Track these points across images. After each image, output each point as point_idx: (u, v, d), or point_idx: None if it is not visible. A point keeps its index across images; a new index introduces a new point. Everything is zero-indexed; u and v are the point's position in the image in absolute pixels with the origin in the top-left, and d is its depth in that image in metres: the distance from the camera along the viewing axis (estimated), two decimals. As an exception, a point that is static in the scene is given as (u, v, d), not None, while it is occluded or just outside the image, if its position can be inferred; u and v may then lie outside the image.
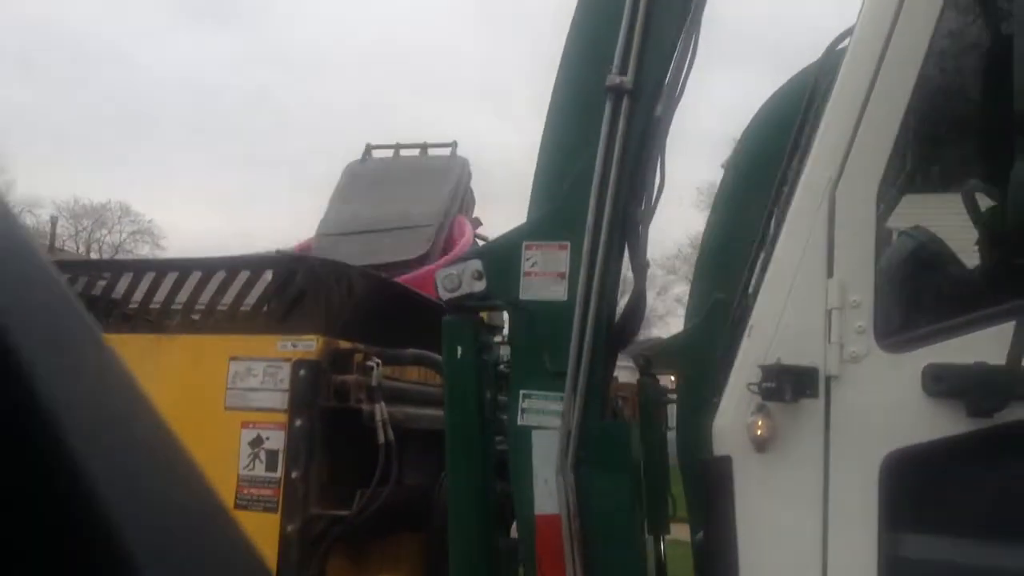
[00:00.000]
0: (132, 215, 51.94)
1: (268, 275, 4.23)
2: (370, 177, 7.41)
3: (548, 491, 3.05)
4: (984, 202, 3.18)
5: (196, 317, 4.18)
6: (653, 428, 5.05)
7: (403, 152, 7.64)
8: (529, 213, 3.36)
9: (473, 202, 7.50)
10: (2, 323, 0.52)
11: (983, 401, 2.30)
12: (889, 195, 3.44)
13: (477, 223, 7.29)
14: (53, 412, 0.53)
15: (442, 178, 7.21)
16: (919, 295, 2.99)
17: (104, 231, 52.29)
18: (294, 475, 3.69)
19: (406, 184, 7.24)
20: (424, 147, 7.61)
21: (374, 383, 5.38)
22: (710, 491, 2.66)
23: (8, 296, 0.54)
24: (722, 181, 5.55)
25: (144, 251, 47.98)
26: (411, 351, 4.46)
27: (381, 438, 3.93)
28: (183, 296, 4.16)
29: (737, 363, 2.70)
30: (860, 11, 2.77)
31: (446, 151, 7.56)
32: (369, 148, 7.66)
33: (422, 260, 6.40)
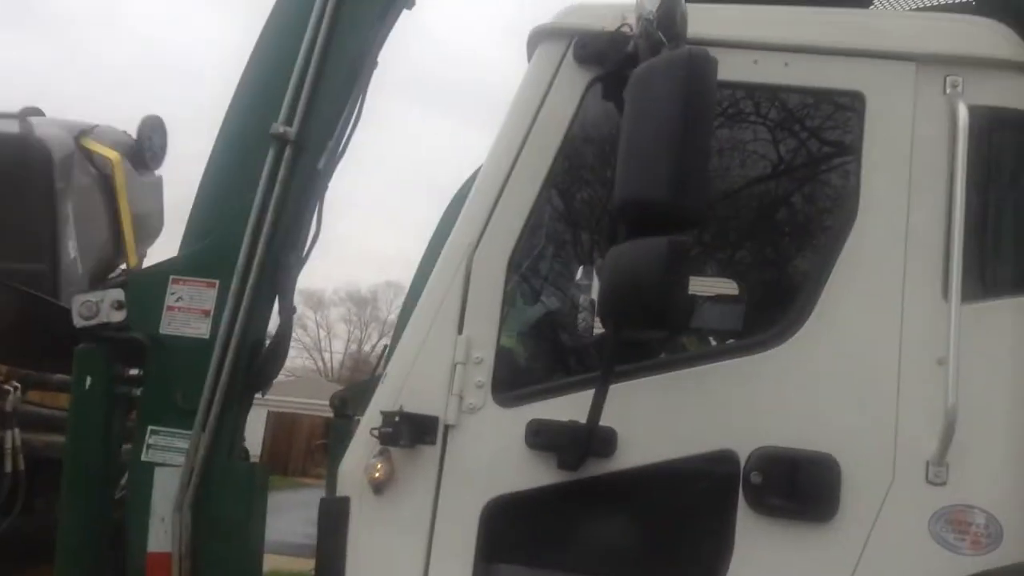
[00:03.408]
0: None
1: None
2: None
3: (164, 529, 2.85)
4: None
5: None
6: None
7: None
8: (181, 247, 3.18)
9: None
10: None
11: (569, 456, 2.47)
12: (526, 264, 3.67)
13: None
14: None
15: None
16: (535, 357, 3.19)
17: None
18: None
19: None
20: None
21: (9, 408, 4.81)
22: (323, 530, 2.61)
23: None
24: (427, 245, 5.61)
25: None
26: (59, 376, 4.03)
27: (8, 466, 3.50)
28: None
29: (368, 410, 2.70)
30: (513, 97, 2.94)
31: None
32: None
33: None
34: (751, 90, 2.92)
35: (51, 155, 5.01)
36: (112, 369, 3.11)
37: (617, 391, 2.41)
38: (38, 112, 5.45)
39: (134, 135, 6.04)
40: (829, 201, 2.98)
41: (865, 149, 2.67)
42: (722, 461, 2.48)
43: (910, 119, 2.65)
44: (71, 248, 5.09)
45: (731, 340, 3.25)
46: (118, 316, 3.04)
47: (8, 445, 4.33)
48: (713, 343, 3.48)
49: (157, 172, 6.28)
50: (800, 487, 2.46)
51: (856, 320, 2.54)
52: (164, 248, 3.25)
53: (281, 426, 32.01)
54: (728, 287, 3.54)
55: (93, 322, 3.05)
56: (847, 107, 2.78)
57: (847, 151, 2.79)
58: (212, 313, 3.03)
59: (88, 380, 3.04)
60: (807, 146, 3.08)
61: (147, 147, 6.00)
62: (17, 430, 4.81)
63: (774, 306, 3.00)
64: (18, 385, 4.94)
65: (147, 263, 5.63)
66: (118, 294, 3.06)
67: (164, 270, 3.12)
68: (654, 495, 2.59)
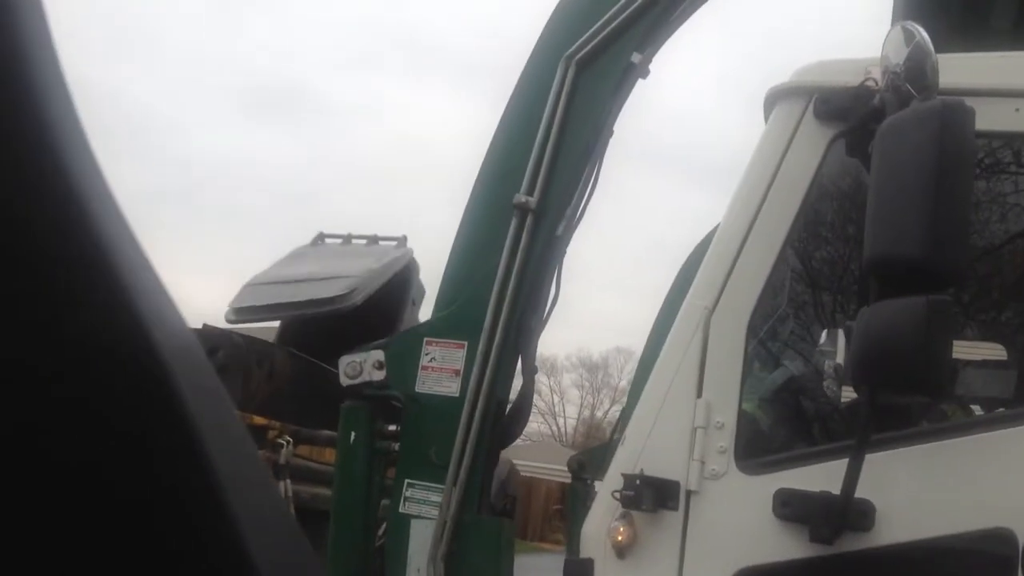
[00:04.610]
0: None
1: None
2: (312, 253, 7.22)
3: (420, 578, 2.98)
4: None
5: None
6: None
7: (354, 241, 7.46)
8: (434, 311, 3.38)
9: (422, 294, 7.29)
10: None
11: (823, 528, 2.33)
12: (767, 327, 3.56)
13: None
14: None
15: (380, 254, 6.91)
16: (779, 423, 3.06)
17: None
18: None
19: (342, 257, 7.05)
20: (374, 238, 7.24)
21: (282, 461, 5.27)
22: None
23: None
24: (660, 309, 5.62)
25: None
26: (326, 432, 4.35)
27: None
28: None
29: (609, 472, 2.70)
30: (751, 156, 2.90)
31: (394, 243, 7.27)
32: (321, 235, 7.52)
33: (343, 299, 6.03)
34: (1013, 140, 2.70)
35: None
36: (374, 425, 3.31)
37: (873, 461, 2.25)
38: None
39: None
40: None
41: None
42: (997, 540, 2.24)
43: None
44: None
45: (1000, 408, 2.96)
46: (379, 375, 3.25)
47: (281, 495, 4.72)
48: (978, 412, 3.18)
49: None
50: None
51: None
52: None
53: (519, 490, 32.49)
54: (994, 351, 3.24)
55: (357, 381, 3.27)
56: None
57: None
58: (462, 373, 3.17)
59: (353, 435, 3.26)
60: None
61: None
62: (289, 481, 5.26)
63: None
64: (290, 440, 5.42)
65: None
66: (379, 355, 3.28)
67: (419, 332, 3.31)
68: (919, 574, 2.38)
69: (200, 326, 6.27)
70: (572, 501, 5.14)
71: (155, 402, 0.55)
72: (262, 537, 0.57)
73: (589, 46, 3.39)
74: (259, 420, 5.23)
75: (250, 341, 6.25)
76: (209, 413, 0.58)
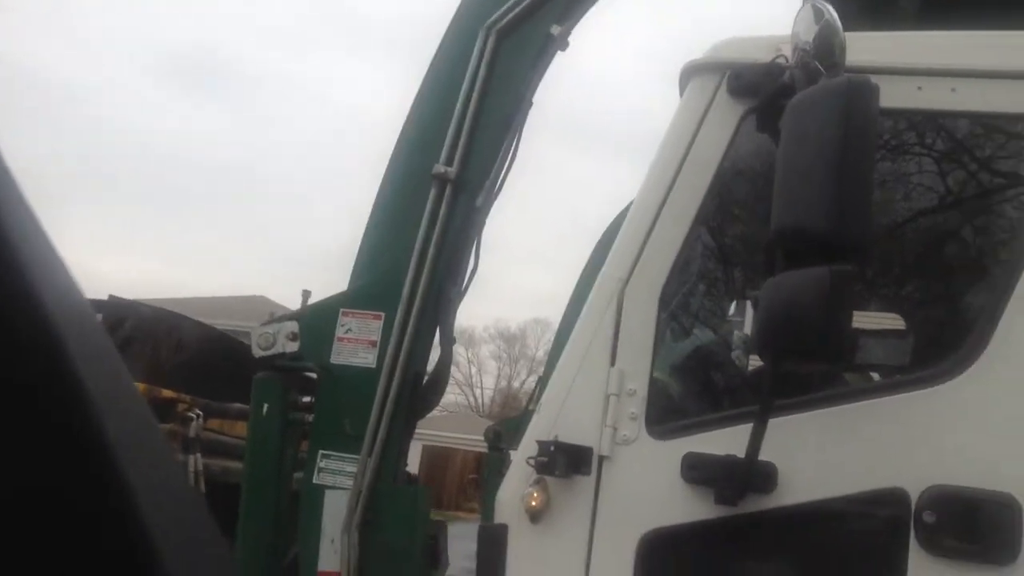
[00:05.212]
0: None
1: (99, 319, 3.98)
2: None
3: (333, 549, 2.96)
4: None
5: None
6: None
7: None
8: (350, 282, 3.34)
9: None
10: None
11: (727, 490, 2.40)
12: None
13: None
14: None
15: None
16: (689, 390, 3.13)
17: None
18: None
19: None
20: None
21: (192, 434, 5.14)
22: (483, 556, 2.64)
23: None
24: (577, 282, 5.67)
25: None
26: (237, 405, 4.27)
27: None
28: None
29: (524, 439, 2.73)
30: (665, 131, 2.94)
31: None
32: (306, 295, 7.37)
33: None
34: (915, 117, 2.80)
35: None
36: (287, 396, 3.27)
37: (776, 426, 2.32)
38: None
39: None
40: (1002, 228, 2.80)
41: None
42: (892, 499, 2.34)
43: None
44: None
45: (897, 376, 3.09)
46: (292, 346, 3.20)
47: (191, 469, 4.61)
48: (877, 379, 3.32)
49: None
50: (977, 528, 2.29)
51: None
52: (337, 282, 3.42)
53: (435, 460, 32.65)
54: (893, 322, 3.38)
55: (270, 352, 3.22)
56: (1019, 130, 2.62)
57: (1021, 175, 2.62)
58: (378, 344, 3.14)
59: (265, 406, 3.21)
60: (975, 172, 2.91)
61: None
62: (199, 455, 5.14)
63: (944, 340, 2.84)
64: (200, 413, 5.29)
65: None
66: (293, 326, 3.22)
67: (334, 303, 3.26)
68: (818, 533, 2.48)
69: (106, 297, 6.08)
70: (488, 470, 5.18)
71: (44, 367, 0.53)
72: (160, 509, 0.56)
73: (509, 16, 3.37)
74: (168, 393, 5.09)
75: (158, 312, 6.08)
76: (101, 379, 0.56)
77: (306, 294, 7.45)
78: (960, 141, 2.83)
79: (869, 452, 2.40)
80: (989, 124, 2.71)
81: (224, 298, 29.69)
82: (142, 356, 5.43)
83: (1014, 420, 2.33)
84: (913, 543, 2.30)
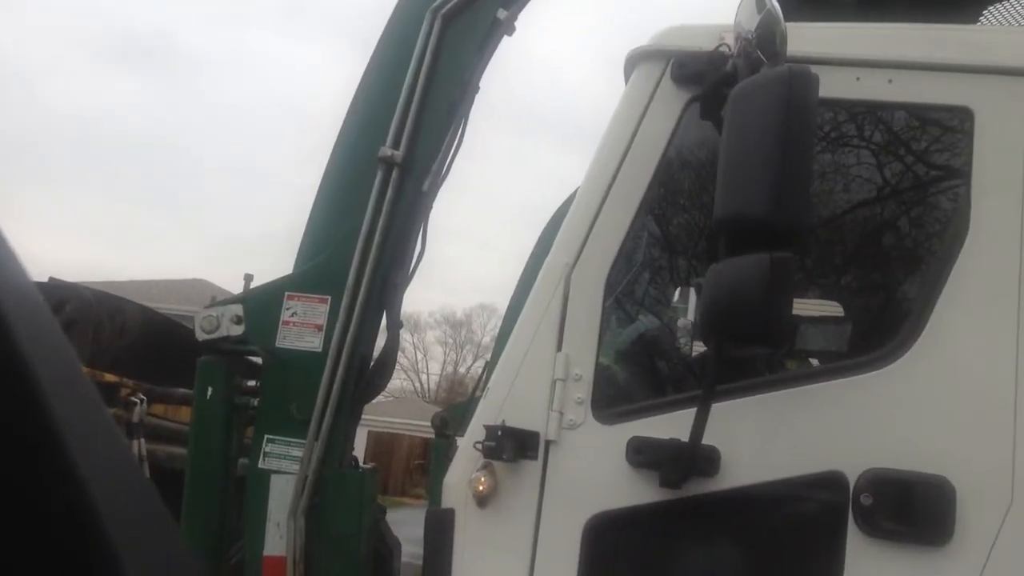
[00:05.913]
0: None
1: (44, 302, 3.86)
2: None
3: (279, 534, 2.94)
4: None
5: None
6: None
7: None
8: (295, 265, 3.30)
9: None
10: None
11: (672, 474, 2.43)
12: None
13: None
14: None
15: None
16: (634, 375, 3.17)
17: None
18: None
19: None
20: None
21: (136, 419, 5.03)
22: (431, 540, 2.65)
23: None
24: (524, 268, 5.66)
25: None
26: (181, 390, 4.19)
27: None
28: None
29: (471, 424, 2.73)
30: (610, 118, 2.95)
31: None
32: (248, 279, 7.25)
33: None
34: (854, 108, 2.86)
35: None
36: (232, 380, 3.22)
37: (719, 410, 2.36)
38: None
39: None
40: (936, 220, 2.88)
41: (975, 165, 2.57)
42: (830, 482, 2.41)
43: (1021, 133, 2.55)
44: None
45: (836, 362, 3.17)
46: (237, 330, 3.15)
47: (135, 454, 4.53)
48: (816, 365, 3.39)
49: None
50: (913, 510, 2.36)
51: (968, 339, 2.44)
52: (280, 266, 3.38)
53: (381, 445, 32.55)
54: (832, 309, 3.45)
55: (214, 336, 3.17)
56: (954, 123, 2.69)
57: (954, 167, 2.69)
58: (324, 328, 3.12)
59: (209, 390, 3.16)
60: (911, 163, 2.99)
61: None
62: (143, 440, 5.05)
63: (881, 327, 2.91)
64: (143, 397, 5.19)
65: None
66: (237, 309, 3.18)
67: (279, 286, 3.22)
68: (760, 515, 2.53)
69: (46, 279, 5.92)
70: (435, 456, 5.17)
71: None
72: (111, 492, 0.55)
73: (455, 0, 3.35)
74: (111, 377, 4.99)
75: (101, 295, 5.93)
76: (47, 358, 0.55)
77: (248, 278, 7.38)
78: (897, 133, 2.90)
79: (809, 436, 2.45)
80: (925, 116, 2.78)
81: (164, 281, 29.16)
82: (84, 340, 5.30)
83: (947, 405, 2.41)
84: (851, 525, 2.36)
